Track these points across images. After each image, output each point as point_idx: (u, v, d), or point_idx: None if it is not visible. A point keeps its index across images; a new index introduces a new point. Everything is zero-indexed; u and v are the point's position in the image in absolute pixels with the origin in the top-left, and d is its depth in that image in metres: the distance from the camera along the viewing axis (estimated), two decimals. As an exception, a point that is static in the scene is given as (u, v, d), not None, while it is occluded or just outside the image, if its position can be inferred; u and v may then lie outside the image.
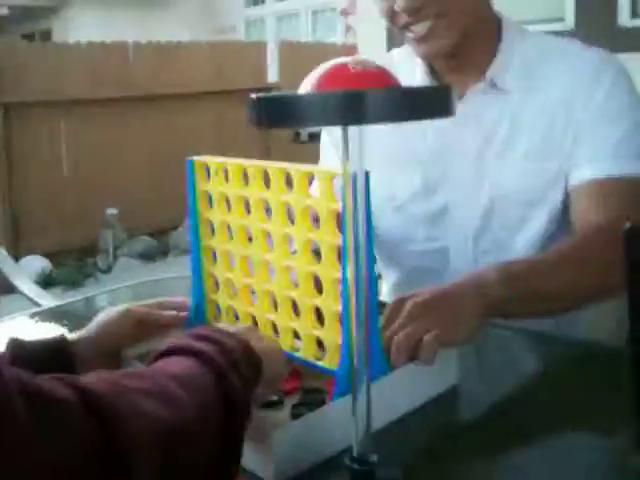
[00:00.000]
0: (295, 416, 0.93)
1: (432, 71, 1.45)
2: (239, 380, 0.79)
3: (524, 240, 1.43)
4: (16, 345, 1.00)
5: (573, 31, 6.18)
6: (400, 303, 1.06)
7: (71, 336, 1.05)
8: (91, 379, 0.68)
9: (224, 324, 0.99)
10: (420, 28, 1.32)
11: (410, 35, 1.34)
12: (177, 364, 0.79)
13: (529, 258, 1.33)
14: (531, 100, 1.40)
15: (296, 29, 11.26)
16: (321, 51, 8.88)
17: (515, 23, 1.46)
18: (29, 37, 11.28)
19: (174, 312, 1.16)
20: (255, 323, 1.10)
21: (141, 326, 1.10)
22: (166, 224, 7.22)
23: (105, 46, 7.05)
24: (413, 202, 1.48)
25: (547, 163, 1.39)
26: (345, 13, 9.26)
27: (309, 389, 1.00)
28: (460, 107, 1.39)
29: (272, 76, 8.55)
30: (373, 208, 0.80)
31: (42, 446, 0.58)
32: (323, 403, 0.95)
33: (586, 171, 1.35)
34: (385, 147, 1.46)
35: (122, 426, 0.64)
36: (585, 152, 1.36)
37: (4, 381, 0.58)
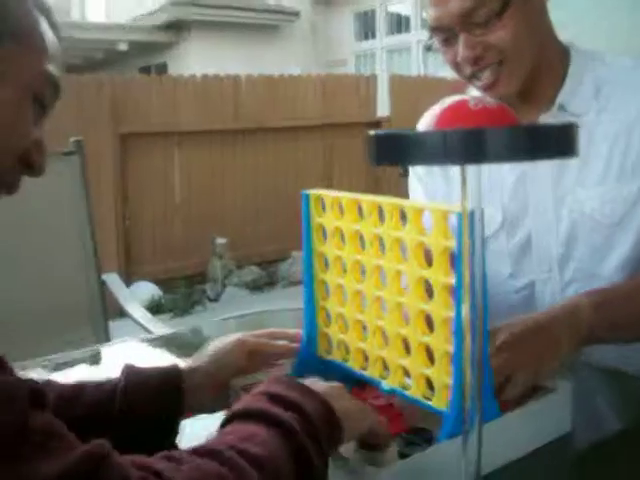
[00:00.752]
0: (402, 456, 0.92)
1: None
2: (317, 449, 0.78)
3: (611, 265, 1.40)
4: (130, 371, 1.02)
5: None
6: (493, 333, 1.08)
7: (184, 364, 1.07)
8: (178, 473, 0.67)
9: (312, 380, 0.95)
10: (484, 76, 1.33)
11: (477, 83, 1.36)
12: (254, 438, 0.75)
13: (621, 283, 1.34)
14: (605, 120, 1.39)
15: (407, 63, 11.29)
16: (431, 85, 8.88)
17: (587, 50, 1.45)
18: (146, 70, 11.66)
19: (286, 342, 1.16)
20: (366, 358, 1.10)
21: (253, 357, 1.11)
22: (274, 255, 7.30)
23: (218, 79, 7.22)
24: (496, 239, 1.48)
25: (627, 184, 1.37)
26: (456, 47, 9.23)
27: (415, 429, 0.98)
28: None
29: (382, 110, 8.58)
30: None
31: None
32: (429, 443, 0.93)
33: None
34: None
35: None
36: None
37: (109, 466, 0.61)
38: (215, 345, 1.11)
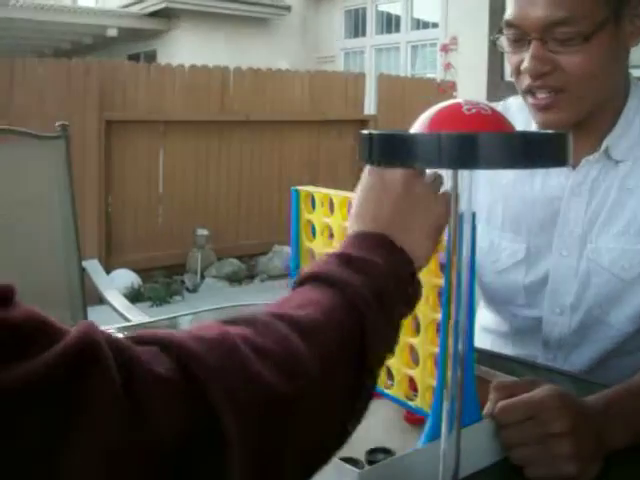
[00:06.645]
0: (371, 463, 0.92)
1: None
2: (386, 321, 0.71)
3: (621, 316, 1.35)
4: None
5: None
6: (546, 411, 0.93)
7: None
8: (196, 336, 0.60)
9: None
10: (541, 96, 1.24)
11: (531, 101, 1.27)
12: (309, 304, 0.68)
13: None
14: (638, 170, 1.32)
15: (395, 62, 11.29)
16: (418, 86, 8.90)
17: None
18: (135, 58, 11.59)
19: None
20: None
21: None
22: (255, 249, 7.29)
23: (206, 70, 7.19)
24: (515, 270, 1.43)
25: None
26: (445, 50, 9.25)
27: (376, 448, 0.96)
28: (572, 177, 1.35)
29: (369, 108, 8.58)
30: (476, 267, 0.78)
31: (136, 425, 0.52)
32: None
33: None
34: (491, 215, 1.45)
35: (227, 403, 0.56)
36: None
37: (102, 348, 0.53)
38: None
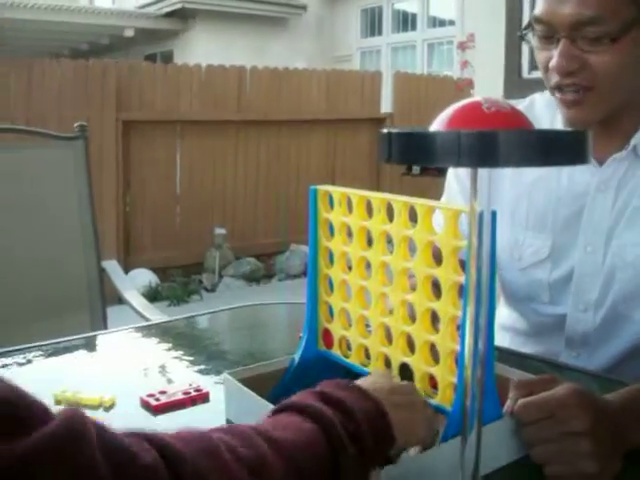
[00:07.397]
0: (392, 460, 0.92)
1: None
2: (359, 456, 0.74)
3: None
4: None
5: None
6: (565, 409, 0.93)
7: None
8: (179, 437, 0.64)
9: (374, 376, 0.94)
10: (569, 92, 1.25)
11: (558, 97, 1.27)
12: (285, 426, 0.73)
13: None
14: None
15: (411, 61, 11.27)
16: (435, 84, 8.88)
17: None
18: (151, 58, 11.63)
19: None
20: (367, 355, 1.10)
21: None
22: (272, 248, 7.30)
23: (223, 70, 7.21)
24: (540, 267, 1.43)
25: None
26: (462, 47, 9.22)
27: None
28: (599, 174, 1.35)
29: (386, 107, 8.57)
30: (499, 264, 0.77)
31: None
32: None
33: None
34: (515, 213, 1.44)
35: None
36: None
37: (88, 442, 0.54)
38: None
